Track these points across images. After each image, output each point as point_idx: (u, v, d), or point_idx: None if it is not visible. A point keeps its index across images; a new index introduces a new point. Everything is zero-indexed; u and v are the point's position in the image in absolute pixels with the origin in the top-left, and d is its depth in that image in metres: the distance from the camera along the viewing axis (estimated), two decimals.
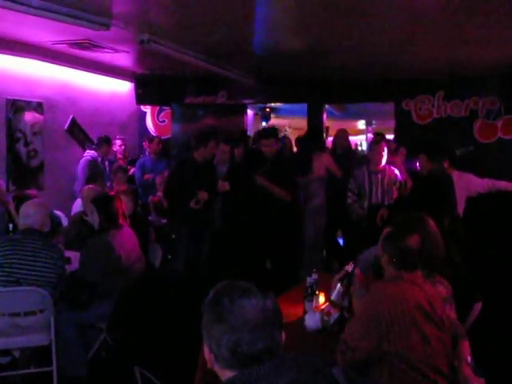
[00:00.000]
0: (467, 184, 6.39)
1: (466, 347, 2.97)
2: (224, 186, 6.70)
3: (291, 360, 1.72)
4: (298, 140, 8.57)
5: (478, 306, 3.92)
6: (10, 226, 5.67)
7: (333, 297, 3.25)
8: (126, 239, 4.96)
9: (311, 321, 3.27)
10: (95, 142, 8.38)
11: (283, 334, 1.74)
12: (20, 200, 5.71)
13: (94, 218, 5.04)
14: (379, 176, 6.54)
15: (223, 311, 1.68)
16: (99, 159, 8.18)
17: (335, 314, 3.41)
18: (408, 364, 2.68)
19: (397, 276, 2.90)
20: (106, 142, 8.23)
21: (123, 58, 7.97)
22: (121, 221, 5.02)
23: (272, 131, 7.09)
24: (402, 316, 2.68)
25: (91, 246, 4.86)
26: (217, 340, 1.68)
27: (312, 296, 3.95)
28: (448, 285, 3.31)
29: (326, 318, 3.40)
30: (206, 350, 1.74)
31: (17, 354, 4.78)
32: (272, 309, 1.72)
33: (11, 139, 7.28)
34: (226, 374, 1.71)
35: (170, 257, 6.94)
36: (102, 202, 5.06)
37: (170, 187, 6.74)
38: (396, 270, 2.93)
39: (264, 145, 6.66)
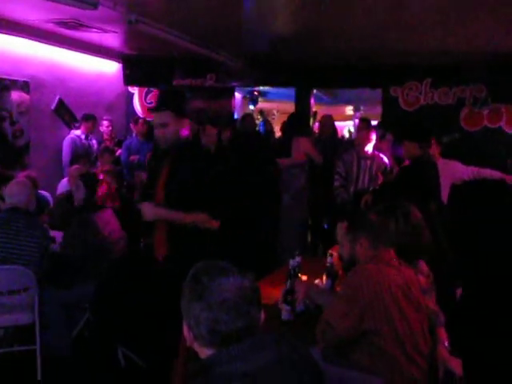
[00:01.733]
0: (452, 171, 6.44)
1: (443, 333, 3.05)
2: None
3: (270, 339, 1.74)
4: (282, 124, 8.59)
5: (459, 292, 3.99)
6: None
7: (283, 316, 3.31)
8: (108, 219, 4.98)
9: (285, 314, 3.33)
10: (79, 119, 8.38)
11: (262, 314, 1.77)
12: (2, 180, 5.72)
13: (78, 195, 5.05)
14: (368, 162, 6.59)
15: (202, 290, 1.71)
16: (83, 137, 8.18)
17: (301, 306, 3.46)
18: (389, 342, 2.73)
19: (373, 257, 2.95)
20: (89, 118, 8.24)
21: (111, 38, 7.90)
22: (100, 202, 5.05)
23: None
24: (381, 295, 2.74)
25: (76, 225, 4.88)
26: (195, 318, 1.70)
27: (294, 278, 3.99)
28: (429, 274, 3.36)
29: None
30: (185, 328, 1.76)
31: (0, 332, 4.80)
32: (250, 287, 1.74)
33: None
34: (204, 352, 1.73)
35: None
36: (90, 179, 5.10)
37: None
38: (373, 249, 2.98)
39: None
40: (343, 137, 12.31)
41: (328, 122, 8.20)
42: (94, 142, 8.43)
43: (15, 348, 4.75)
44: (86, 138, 8.27)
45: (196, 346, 1.76)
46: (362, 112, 16.53)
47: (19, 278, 4.43)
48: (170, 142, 3.72)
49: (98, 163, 7.57)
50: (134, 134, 8.93)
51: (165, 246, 3.80)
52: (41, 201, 5.92)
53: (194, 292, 1.72)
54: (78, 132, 8.25)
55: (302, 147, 7.26)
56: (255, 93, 13.71)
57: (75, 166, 6.56)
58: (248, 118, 8.64)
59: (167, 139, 3.72)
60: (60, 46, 8.09)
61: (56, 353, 4.69)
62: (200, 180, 3.64)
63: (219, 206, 3.76)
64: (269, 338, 1.74)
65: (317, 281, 4.07)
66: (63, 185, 6.82)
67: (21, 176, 6.14)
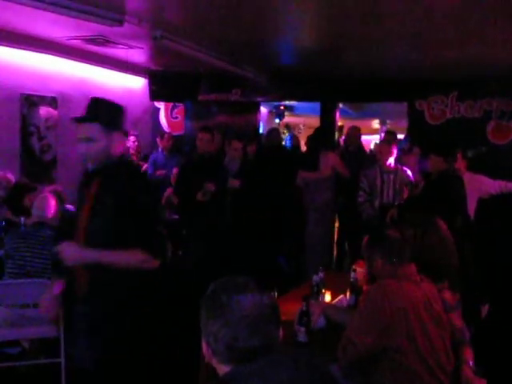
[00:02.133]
0: (479, 185, 6.36)
1: (468, 352, 3.00)
2: (234, 183, 6.73)
3: (288, 356, 1.73)
4: (307, 139, 8.58)
5: (485, 309, 3.92)
6: (22, 219, 5.72)
7: (299, 338, 3.25)
8: None
9: (300, 336, 3.27)
10: None
11: (280, 331, 1.76)
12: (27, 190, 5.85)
13: None
14: (391, 176, 6.53)
15: (220, 306, 1.70)
16: None
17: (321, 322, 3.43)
18: (411, 358, 2.70)
19: (392, 273, 2.92)
20: None
21: (137, 54, 8.00)
22: None
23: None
24: (402, 311, 2.71)
25: None
26: (214, 335, 1.70)
27: (318, 294, 3.98)
28: (455, 291, 3.31)
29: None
30: (203, 344, 1.76)
31: (26, 344, 4.85)
32: (269, 305, 1.73)
33: (25, 134, 7.35)
34: (222, 369, 1.73)
35: (180, 253, 6.98)
36: None
37: (178, 182, 6.81)
38: (390, 265, 2.96)
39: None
40: (371, 150, 12.26)
41: (354, 133, 8.18)
42: None
43: (40, 361, 4.78)
44: None
45: (214, 363, 1.75)
46: (388, 126, 16.46)
47: (44, 291, 4.47)
48: (96, 160, 3.14)
49: None
50: (159, 149, 9.00)
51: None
52: (65, 215, 5.98)
53: (213, 309, 1.72)
54: None
55: (330, 162, 7.26)
56: (281, 107, 13.73)
57: None
58: (274, 132, 8.66)
59: (92, 157, 3.13)
60: (87, 62, 8.21)
61: (80, 365, 4.70)
62: (133, 208, 2.98)
63: (157, 240, 3.09)
64: (287, 355, 1.72)
65: (341, 296, 4.05)
66: None
67: (47, 190, 6.22)
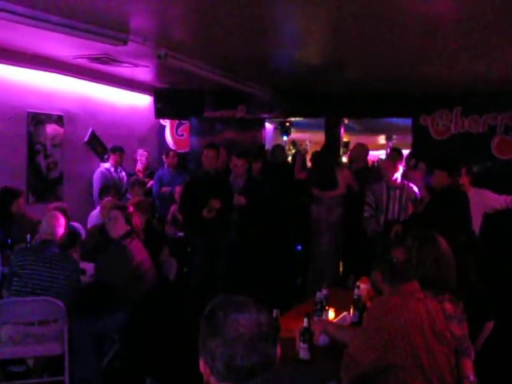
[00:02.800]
0: (484, 200, 6.36)
1: (468, 365, 2.98)
2: (240, 199, 6.75)
3: (286, 374, 1.73)
4: (313, 155, 8.59)
5: (490, 325, 3.89)
6: (28, 236, 5.76)
7: (301, 355, 3.23)
8: (139, 249, 5.04)
9: (302, 353, 3.26)
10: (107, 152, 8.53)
11: (278, 349, 1.76)
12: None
13: (111, 226, 5.12)
14: (397, 192, 6.50)
15: (217, 325, 1.71)
16: (112, 169, 8.32)
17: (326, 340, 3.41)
18: (414, 375, 2.68)
19: (393, 291, 2.92)
20: (116, 150, 8.37)
21: (142, 72, 8.06)
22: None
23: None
24: (405, 328, 2.71)
25: (114, 253, 4.95)
26: (212, 353, 1.70)
27: (321, 311, 3.97)
28: (458, 302, 3.30)
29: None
30: (201, 363, 1.76)
31: (31, 362, 4.85)
32: (266, 323, 1.73)
33: (32, 151, 7.41)
34: None
35: (185, 270, 6.98)
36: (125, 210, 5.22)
37: (183, 199, 6.83)
38: (389, 285, 2.96)
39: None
40: (373, 163, 12.30)
41: (361, 151, 8.13)
42: (124, 174, 8.55)
43: (45, 379, 4.79)
44: (116, 170, 8.39)
45: (212, 381, 1.75)
46: (394, 141, 16.45)
47: (49, 309, 4.49)
48: None
49: (129, 195, 7.67)
50: (165, 166, 9.04)
51: None
52: (73, 232, 6.02)
53: (210, 327, 1.72)
54: (107, 165, 8.38)
55: (346, 178, 7.29)
56: (287, 124, 13.77)
57: (108, 198, 6.66)
58: (278, 149, 8.68)
59: None
60: (92, 81, 8.29)
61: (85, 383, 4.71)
62: None
63: None
64: (285, 374, 1.73)
65: (344, 313, 4.03)
66: (94, 216, 6.92)
67: (51, 207, 6.27)
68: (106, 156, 8.57)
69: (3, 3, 4.57)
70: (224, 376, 1.70)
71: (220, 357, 1.68)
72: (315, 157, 8.28)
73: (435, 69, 7.09)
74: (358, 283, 4.27)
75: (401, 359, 2.70)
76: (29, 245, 5.62)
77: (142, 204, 5.99)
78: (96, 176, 8.21)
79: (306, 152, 14.80)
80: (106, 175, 8.23)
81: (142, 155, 9.13)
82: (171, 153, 9.03)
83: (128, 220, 5.13)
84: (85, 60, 7.04)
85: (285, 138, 14.29)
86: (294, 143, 16.43)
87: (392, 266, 2.97)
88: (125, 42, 5.49)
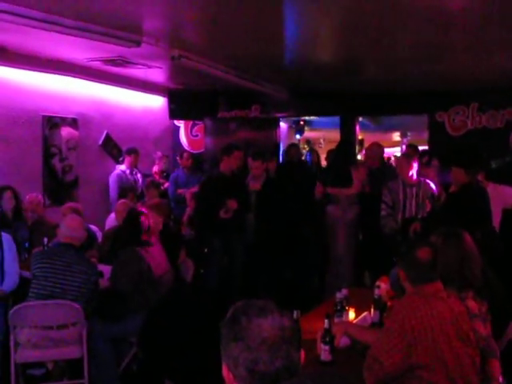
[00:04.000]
0: (503, 196, 6.26)
1: (496, 366, 2.92)
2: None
3: (310, 379, 1.69)
4: (328, 153, 8.54)
5: None
6: (45, 240, 5.77)
7: (322, 357, 3.19)
8: (154, 253, 5.02)
9: (324, 354, 3.21)
10: (122, 154, 8.53)
11: (301, 353, 1.73)
12: None
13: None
14: (414, 190, 6.43)
15: (240, 330, 1.68)
16: (128, 172, 8.31)
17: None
18: (439, 376, 2.64)
19: (416, 291, 2.88)
20: (131, 152, 8.32)
21: (156, 74, 8.07)
22: (145, 237, 5.09)
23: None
24: (428, 328, 2.67)
25: (121, 257, 4.94)
26: (234, 359, 1.67)
27: (342, 312, 3.92)
28: (482, 301, 3.25)
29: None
30: (224, 368, 1.73)
31: (50, 366, 4.85)
32: (289, 327, 1.70)
33: (47, 155, 7.44)
34: None
35: (202, 271, 6.96)
36: (129, 217, 5.19)
37: (199, 201, 6.81)
38: (412, 285, 2.91)
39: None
40: (389, 161, 12.23)
41: (376, 150, 7.99)
42: (139, 176, 8.54)
43: (64, 382, 4.79)
44: (131, 172, 8.38)
45: None
46: (409, 138, 16.34)
47: (67, 313, 4.48)
48: None
49: (146, 198, 7.65)
50: (180, 168, 9.04)
51: None
52: (89, 234, 6.01)
53: (233, 333, 1.70)
54: (122, 167, 8.36)
55: (361, 176, 7.22)
56: (301, 122, 13.71)
57: (122, 201, 6.66)
58: (292, 148, 8.64)
59: None
60: (106, 83, 8.30)
61: None
62: None
63: None
64: (308, 378, 1.69)
65: (365, 313, 3.99)
66: (111, 220, 6.92)
67: (65, 207, 6.29)
68: (121, 158, 8.57)
69: (18, 8, 4.58)
70: (247, 381, 1.67)
71: (243, 362, 1.65)
72: (330, 155, 8.24)
73: (451, 65, 7.02)
74: (377, 283, 4.22)
75: (425, 360, 2.66)
76: (46, 248, 5.63)
77: (159, 206, 5.97)
78: (112, 179, 8.20)
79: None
80: (121, 177, 8.22)
81: (160, 159, 9.11)
82: (185, 154, 9.02)
83: (137, 225, 5.10)
84: (98, 62, 7.05)
85: (298, 136, 14.24)
86: (308, 142, 16.38)
87: (417, 266, 2.92)
88: (138, 44, 5.48)
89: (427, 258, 2.92)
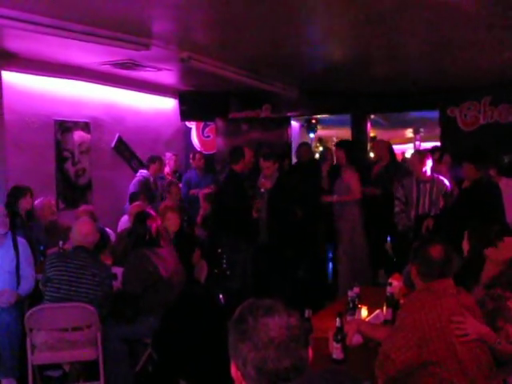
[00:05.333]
0: None
1: None
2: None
3: (319, 377, 1.71)
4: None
5: None
6: (60, 242, 5.82)
7: (334, 355, 3.18)
8: (164, 255, 5.04)
9: (336, 352, 3.21)
10: (146, 161, 8.49)
11: (309, 351, 1.74)
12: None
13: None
14: (427, 186, 6.39)
15: (247, 330, 1.69)
16: (151, 179, 8.19)
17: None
18: (453, 372, 2.64)
19: (426, 287, 2.88)
20: (155, 160, 8.28)
21: (166, 76, 8.10)
22: (153, 238, 5.11)
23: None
24: (439, 324, 2.67)
25: (130, 259, 4.98)
26: (243, 358, 1.68)
27: (354, 310, 3.93)
28: None
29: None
30: (233, 368, 1.74)
31: (67, 367, 4.90)
32: (296, 326, 1.71)
33: (60, 159, 7.50)
34: None
35: (216, 271, 6.96)
36: (137, 219, 5.23)
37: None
38: (423, 281, 2.92)
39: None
40: (403, 158, 12.16)
41: (381, 147, 7.91)
42: (159, 181, 8.48)
43: (81, 383, 4.83)
44: (155, 180, 8.27)
45: None
46: (421, 134, 16.24)
47: (82, 315, 4.52)
48: None
49: (167, 198, 7.62)
50: (193, 168, 9.07)
51: None
52: (102, 235, 6.04)
53: (240, 332, 1.71)
54: (145, 172, 8.22)
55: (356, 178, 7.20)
56: (313, 121, 13.68)
57: (135, 204, 6.69)
58: (304, 147, 8.62)
59: None
60: (117, 87, 8.35)
61: None
62: None
63: None
64: (317, 377, 1.70)
65: (377, 311, 3.99)
66: (124, 222, 6.96)
67: (80, 210, 6.34)
68: (138, 162, 8.59)
69: (28, 15, 4.63)
70: (256, 380, 1.68)
71: (251, 361, 1.66)
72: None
73: (462, 59, 6.97)
74: (390, 280, 4.22)
75: (437, 356, 2.66)
76: (61, 250, 5.68)
77: (176, 208, 6.00)
78: (133, 184, 8.03)
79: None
80: (142, 183, 8.03)
81: (170, 159, 9.14)
82: (197, 155, 9.05)
83: (145, 226, 5.13)
84: (109, 66, 7.09)
85: (311, 135, 14.20)
86: (320, 140, 16.33)
87: (428, 263, 2.92)
88: (147, 47, 5.52)
89: (439, 255, 2.92)
